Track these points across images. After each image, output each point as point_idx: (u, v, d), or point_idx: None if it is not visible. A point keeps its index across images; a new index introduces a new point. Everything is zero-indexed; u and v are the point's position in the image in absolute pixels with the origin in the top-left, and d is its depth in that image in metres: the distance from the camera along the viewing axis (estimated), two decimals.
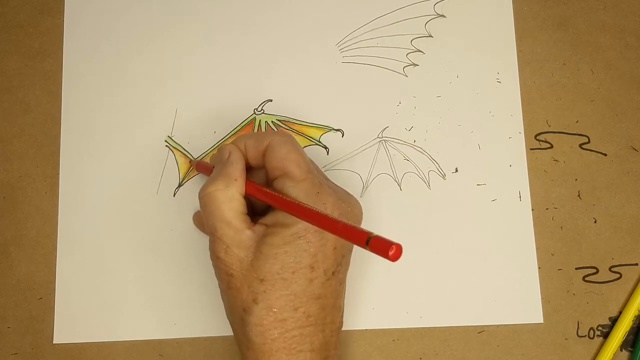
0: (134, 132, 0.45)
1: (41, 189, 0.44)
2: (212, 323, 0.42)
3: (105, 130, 0.45)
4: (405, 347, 0.42)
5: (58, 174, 0.44)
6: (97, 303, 0.43)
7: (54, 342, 0.42)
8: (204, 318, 0.42)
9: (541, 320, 0.42)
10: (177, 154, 0.44)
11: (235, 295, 0.35)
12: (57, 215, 0.44)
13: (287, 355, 0.34)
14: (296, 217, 0.33)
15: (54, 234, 0.44)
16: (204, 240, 0.43)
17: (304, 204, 0.33)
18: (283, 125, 0.44)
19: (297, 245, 0.34)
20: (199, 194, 0.36)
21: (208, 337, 0.42)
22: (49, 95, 0.45)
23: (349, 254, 0.37)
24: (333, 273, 0.36)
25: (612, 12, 0.46)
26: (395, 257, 0.27)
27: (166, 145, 0.44)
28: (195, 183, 0.44)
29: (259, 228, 0.35)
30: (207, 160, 0.44)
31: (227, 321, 0.39)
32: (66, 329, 0.43)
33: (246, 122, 0.45)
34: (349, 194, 0.38)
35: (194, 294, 0.43)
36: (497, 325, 0.42)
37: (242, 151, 0.38)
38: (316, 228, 0.34)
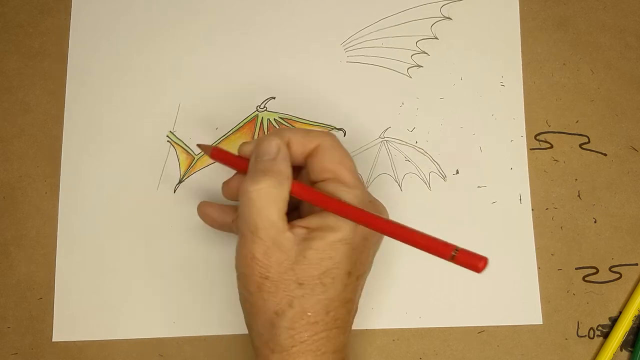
0: (137, 128, 0.45)
1: (41, 189, 0.44)
2: (212, 321, 0.42)
3: (107, 125, 0.45)
4: (405, 347, 0.42)
5: (58, 174, 0.44)
6: (96, 303, 0.43)
7: (53, 342, 0.42)
8: (203, 316, 0.42)
9: (541, 321, 0.42)
10: (179, 149, 0.44)
11: (267, 298, 0.34)
12: (57, 215, 0.44)
13: (313, 357, 0.33)
14: (363, 224, 0.33)
15: (54, 234, 0.44)
16: (204, 237, 0.43)
17: (371, 212, 0.32)
18: (285, 123, 0.44)
19: (343, 252, 0.34)
20: (247, 187, 0.34)
21: (208, 337, 0.42)
22: (49, 95, 0.45)
23: (372, 259, 0.37)
24: (361, 277, 0.35)
25: (612, 12, 0.46)
26: (482, 269, 0.28)
27: (167, 141, 0.45)
28: (196, 179, 0.44)
29: (298, 231, 0.34)
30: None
31: (226, 319, 0.40)
32: (66, 329, 0.43)
33: (248, 119, 0.45)
34: (382, 206, 0.37)
35: (193, 292, 0.43)
36: (497, 326, 0.42)
37: None
38: (363, 235, 0.34)
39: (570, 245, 0.43)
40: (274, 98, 0.45)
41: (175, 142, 0.44)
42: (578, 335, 0.42)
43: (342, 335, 0.35)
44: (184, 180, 0.44)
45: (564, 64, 0.45)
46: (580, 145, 0.44)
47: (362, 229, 0.34)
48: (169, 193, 0.44)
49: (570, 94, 0.45)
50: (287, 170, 0.35)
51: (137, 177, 0.44)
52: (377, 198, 0.37)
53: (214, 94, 0.45)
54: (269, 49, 0.46)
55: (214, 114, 0.45)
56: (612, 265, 0.43)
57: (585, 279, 0.43)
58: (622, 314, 0.42)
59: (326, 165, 0.35)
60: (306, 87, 0.45)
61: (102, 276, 0.43)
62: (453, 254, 0.29)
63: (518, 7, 0.46)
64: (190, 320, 0.42)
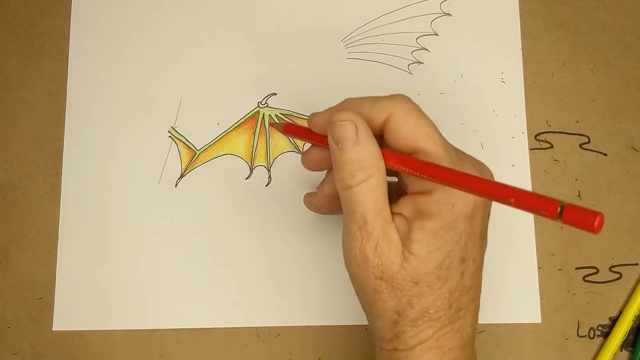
0: (138, 125, 0.45)
1: (41, 189, 0.44)
2: (212, 314, 0.42)
3: (109, 124, 0.45)
4: None
5: (58, 174, 0.44)
6: (98, 302, 0.43)
7: (54, 342, 0.42)
8: (204, 309, 0.43)
9: (541, 320, 0.42)
10: (180, 144, 0.45)
11: (386, 299, 0.31)
12: (58, 215, 0.44)
13: (439, 355, 0.31)
14: (468, 191, 0.29)
15: (55, 233, 0.44)
16: (205, 230, 0.43)
17: (475, 175, 0.29)
18: (286, 119, 0.44)
19: (449, 239, 0.31)
20: (348, 183, 0.31)
21: (208, 334, 0.42)
22: (50, 95, 0.45)
23: (486, 235, 0.34)
24: (477, 259, 0.33)
25: (612, 12, 0.46)
26: (598, 228, 0.24)
27: (169, 136, 0.45)
28: (197, 174, 0.44)
29: (398, 221, 0.31)
30: (213, 149, 0.44)
31: (225, 312, 0.40)
32: (66, 329, 0.43)
33: (250, 115, 0.45)
34: (481, 163, 0.34)
35: (194, 285, 0.43)
36: (497, 325, 0.42)
37: None
38: (465, 215, 0.31)
39: (570, 245, 0.43)
40: (275, 94, 0.45)
41: (176, 138, 0.45)
42: (578, 335, 0.42)
43: (469, 328, 0.32)
44: (185, 175, 0.44)
45: (564, 63, 0.45)
46: (580, 145, 0.44)
47: (460, 209, 0.31)
48: (171, 187, 0.44)
49: (570, 93, 0.45)
50: (378, 151, 0.31)
51: (139, 173, 0.44)
52: None
53: (215, 90, 0.45)
54: (270, 46, 0.46)
55: (215, 109, 0.45)
56: (612, 265, 0.43)
57: (586, 278, 0.43)
58: (622, 314, 0.42)
59: (401, 141, 0.31)
60: (307, 84, 0.45)
61: (103, 277, 0.43)
62: (559, 210, 0.24)
63: (518, 2, 0.46)
64: (190, 312, 0.43)
